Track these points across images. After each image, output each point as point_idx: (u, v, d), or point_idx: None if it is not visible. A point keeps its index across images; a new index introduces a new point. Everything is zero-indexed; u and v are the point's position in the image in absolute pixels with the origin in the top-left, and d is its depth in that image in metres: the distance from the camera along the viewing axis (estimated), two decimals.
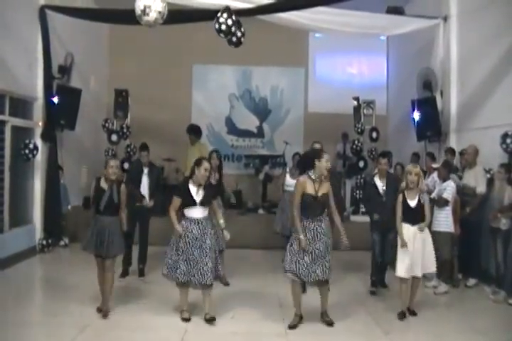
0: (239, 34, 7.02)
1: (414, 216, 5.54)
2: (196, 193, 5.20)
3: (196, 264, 5.11)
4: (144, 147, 7.13)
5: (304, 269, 5.02)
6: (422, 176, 5.63)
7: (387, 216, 5.98)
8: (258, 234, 9.00)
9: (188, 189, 5.21)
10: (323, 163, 5.09)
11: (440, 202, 6.48)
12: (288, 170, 7.56)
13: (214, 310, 5.31)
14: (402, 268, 5.47)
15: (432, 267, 5.61)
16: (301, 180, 5.16)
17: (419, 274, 5.52)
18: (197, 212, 5.22)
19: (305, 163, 5.34)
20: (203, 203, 5.20)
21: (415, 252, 5.44)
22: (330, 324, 5.22)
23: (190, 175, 5.30)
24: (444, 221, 6.45)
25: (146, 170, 7.05)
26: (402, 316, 5.48)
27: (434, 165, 7.20)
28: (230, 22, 6.78)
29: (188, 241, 5.14)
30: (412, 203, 5.54)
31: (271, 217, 9.50)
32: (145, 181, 7.00)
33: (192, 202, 5.18)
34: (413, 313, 5.61)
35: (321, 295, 5.31)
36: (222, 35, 6.86)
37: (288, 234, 7.03)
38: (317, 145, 6.61)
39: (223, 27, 6.77)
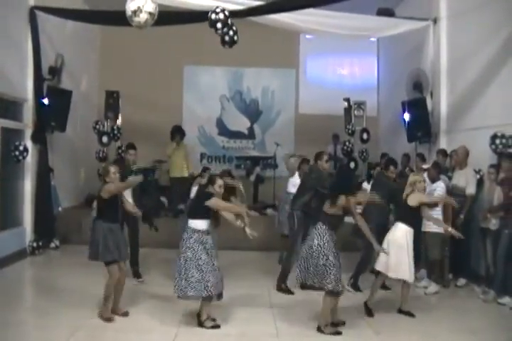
0: (231, 33, 6.96)
1: (412, 218, 5.61)
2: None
3: (219, 274, 5.09)
4: (131, 146, 7.05)
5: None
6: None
7: (379, 217, 5.96)
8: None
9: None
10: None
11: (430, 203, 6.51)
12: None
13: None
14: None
15: (404, 275, 5.57)
16: None
17: (394, 276, 5.57)
18: (208, 224, 5.19)
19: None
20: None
21: (400, 254, 5.49)
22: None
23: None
24: None
25: None
26: (368, 311, 5.61)
27: (424, 166, 7.24)
28: (227, 12, 6.75)
29: (209, 252, 5.06)
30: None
31: (262, 218, 9.54)
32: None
33: (208, 215, 5.14)
34: (409, 314, 5.63)
35: None
36: (219, 24, 6.68)
37: (285, 233, 7.12)
38: (326, 157, 6.66)
39: (220, 16, 6.69)
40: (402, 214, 5.69)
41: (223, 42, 6.99)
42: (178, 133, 9.91)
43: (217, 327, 5.13)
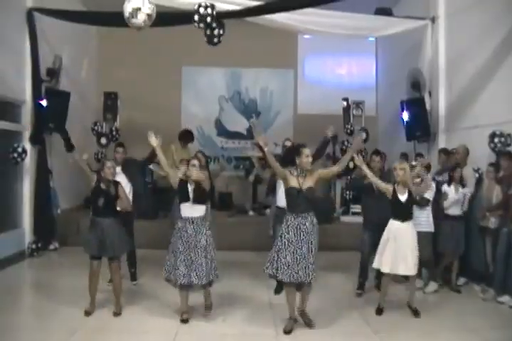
0: (215, 31, 6.88)
1: (404, 212, 5.59)
2: (191, 191, 5.30)
3: (192, 265, 5.17)
4: (119, 144, 6.93)
5: (285, 269, 4.91)
6: (407, 171, 5.65)
7: (380, 214, 5.86)
8: (248, 235, 8.98)
9: (186, 185, 5.34)
10: (304, 159, 5.07)
11: (422, 202, 6.41)
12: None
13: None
14: (378, 260, 5.60)
15: (412, 270, 5.55)
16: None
17: (402, 273, 5.56)
18: (191, 211, 5.28)
19: (286, 160, 5.32)
20: (195, 200, 5.27)
21: (400, 250, 5.47)
22: (309, 325, 5.21)
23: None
24: (425, 221, 6.36)
25: (118, 169, 6.45)
26: (379, 312, 5.63)
27: (413, 163, 7.20)
28: (208, 8, 6.71)
29: (185, 241, 5.21)
30: (402, 198, 5.58)
31: (261, 219, 9.52)
32: (122, 180, 6.39)
33: (186, 198, 5.27)
34: (415, 312, 5.61)
35: (301, 293, 5.27)
36: (196, 16, 6.69)
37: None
38: (288, 143, 6.60)
39: (201, 10, 6.68)
40: (394, 210, 5.66)
41: (209, 41, 6.91)
42: (188, 135, 9.72)
43: (185, 321, 5.26)
